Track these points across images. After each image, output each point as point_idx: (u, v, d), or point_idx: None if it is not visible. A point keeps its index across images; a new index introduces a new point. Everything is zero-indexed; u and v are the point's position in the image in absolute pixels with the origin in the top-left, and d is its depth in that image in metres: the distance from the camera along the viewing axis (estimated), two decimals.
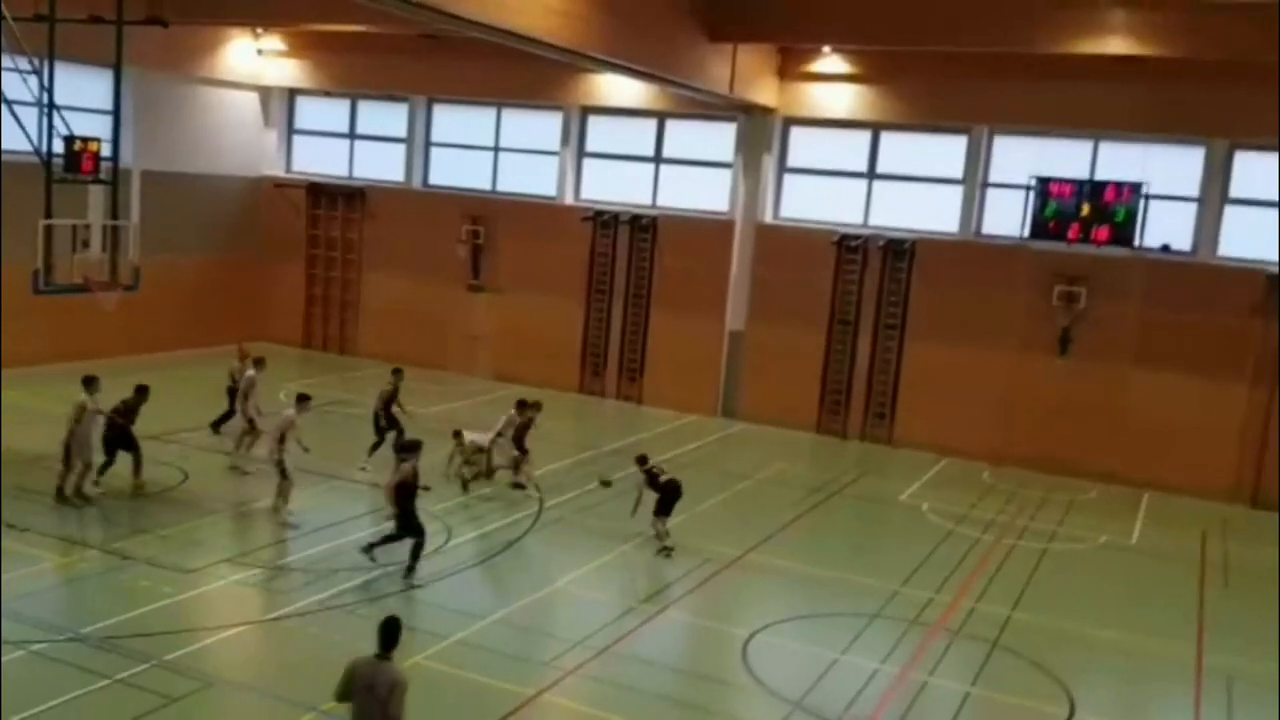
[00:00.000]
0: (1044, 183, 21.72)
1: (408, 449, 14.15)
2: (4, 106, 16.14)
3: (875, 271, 23.94)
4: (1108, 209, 21.32)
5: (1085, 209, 21.41)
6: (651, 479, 15.70)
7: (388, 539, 13.77)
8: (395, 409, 18.55)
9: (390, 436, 18.05)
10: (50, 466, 15.72)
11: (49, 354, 23.58)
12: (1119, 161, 22.01)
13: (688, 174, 25.91)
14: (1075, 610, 14.72)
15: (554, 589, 14.12)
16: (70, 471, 15.37)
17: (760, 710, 11.23)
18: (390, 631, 7.94)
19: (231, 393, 19.21)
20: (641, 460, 16.02)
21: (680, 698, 11.41)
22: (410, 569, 13.63)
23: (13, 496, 15.04)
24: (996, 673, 12.64)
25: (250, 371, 18.35)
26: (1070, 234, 21.51)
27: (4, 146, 16.32)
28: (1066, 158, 22.37)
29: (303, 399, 16.04)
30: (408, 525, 13.61)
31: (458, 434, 18.13)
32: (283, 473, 15.30)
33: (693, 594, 14.28)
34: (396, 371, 19.08)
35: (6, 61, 16.22)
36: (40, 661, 10.95)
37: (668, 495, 15.58)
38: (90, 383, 15.58)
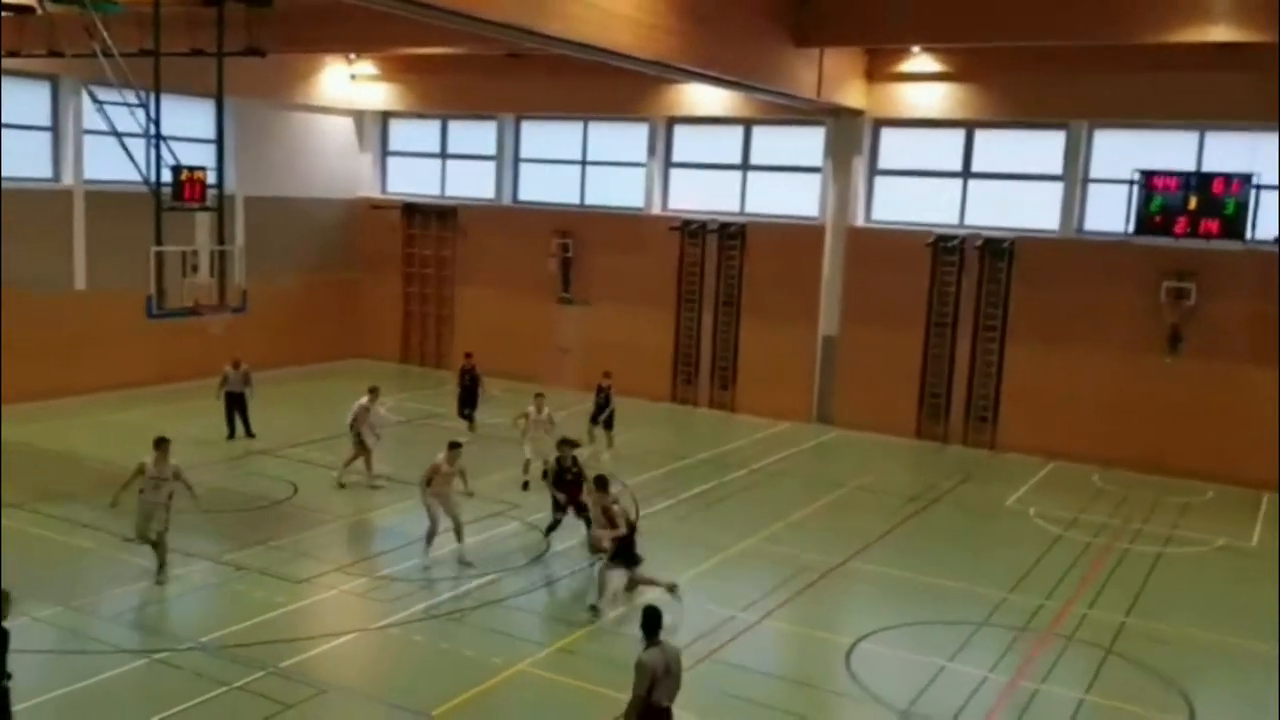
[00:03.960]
0: (1148, 176, 21.07)
1: None
2: (115, 139, 16.89)
3: (973, 272, 23.48)
4: (1216, 201, 20.59)
5: (1192, 202, 20.71)
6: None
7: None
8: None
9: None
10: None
11: (159, 375, 24.55)
12: (1226, 152, 21.24)
13: (776, 180, 25.78)
14: (1193, 615, 14.20)
15: (651, 599, 14.07)
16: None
17: (866, 718, 11.05)
18: (656, 617, 8.73)
19: (230, 397, 20.71)
20: (601, 482, 14.07)
21: (784, 706, 11.29)
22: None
23: (129, 512, 15.55)
24: (1111, 680, 12.25)
25: (363, 399, 18.41)
26: (1177, 228, 20.83)
27: (116, 177, 17.04)
28: (1171, 150, 21.66)
29: (454, 445, 15.27)
30: None
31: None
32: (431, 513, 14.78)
33: (792, 602, 14.14)
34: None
35: (116, 96, 16.99)
36: (164, 669, 11.37)
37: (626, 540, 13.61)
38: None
